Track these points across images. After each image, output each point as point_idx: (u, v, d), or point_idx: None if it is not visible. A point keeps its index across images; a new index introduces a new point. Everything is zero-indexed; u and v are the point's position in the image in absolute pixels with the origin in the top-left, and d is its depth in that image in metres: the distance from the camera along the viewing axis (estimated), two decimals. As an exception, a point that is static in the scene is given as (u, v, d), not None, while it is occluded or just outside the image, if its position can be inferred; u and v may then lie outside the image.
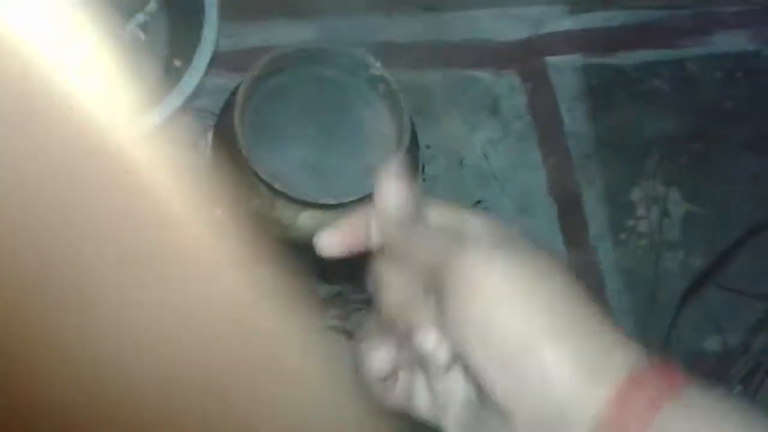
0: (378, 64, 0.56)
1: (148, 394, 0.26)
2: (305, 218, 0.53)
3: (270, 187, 0.51)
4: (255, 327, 0.30)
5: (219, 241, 0.29)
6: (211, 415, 0.28)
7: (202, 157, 0.86)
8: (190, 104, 0.88)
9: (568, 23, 0.98)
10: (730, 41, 1.01)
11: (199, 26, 0.57)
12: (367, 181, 0.56)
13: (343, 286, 0.77)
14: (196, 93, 0.90)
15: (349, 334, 0.79)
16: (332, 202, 0.52)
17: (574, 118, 0.94)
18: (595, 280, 0.87)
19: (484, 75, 0.95)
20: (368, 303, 0.82)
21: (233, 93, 0.56)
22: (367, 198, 0.53)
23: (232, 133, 0.52)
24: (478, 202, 0.88)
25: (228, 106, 0.56)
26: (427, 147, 0.90)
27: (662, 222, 0.89)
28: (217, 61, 0.91)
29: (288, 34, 0.92)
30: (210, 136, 0.86)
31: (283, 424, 0.30)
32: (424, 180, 0.88)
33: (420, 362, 0.42)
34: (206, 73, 0.90)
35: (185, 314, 0.28)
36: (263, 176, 0.51)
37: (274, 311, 0.30)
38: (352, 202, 0.52)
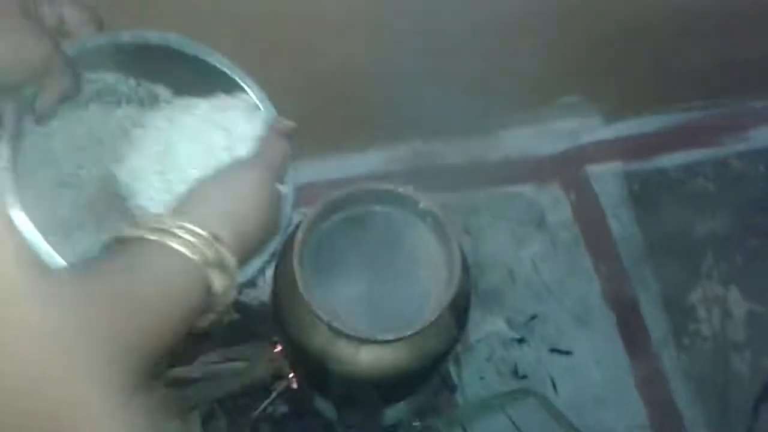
0: (425, 199, 0.59)
1: None
2: (365, 354, 0.55)
3: (330, 326, 0.53)
4: None
5: None
6: None
7: (261, 293, 0.89)
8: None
9: (605, 132, 1.01)
10: (770, 135, 1.02)
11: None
12: (422, 313, 0.57)
13: (406, 414, 0.77)
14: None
15: (414, 462, 0.78)
16: (390, 338, 0.53)
17: (621, 224, 0.95)
18: (663, 389, 0.84)
19: (527, 189, 0.98)
20: (430, 429, 0.81)
21: (291, 237, 0.59)
22: (423, 330, 0.54)
23: (292, 277, 0.55)
24: (534, 316, 0.88)
25: (287, 250, 0.59)
26: (477, 266, 0.91)
27: (725, 323, 0.87)
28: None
29: (336, 169, 0.96)
30: (269, 273, 0.90)
31: None
32: (477, 296, 0.89)
33: None
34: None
35: None
36: (324, 318, 0.53)
37: None
38: (409, 336, 0.53)
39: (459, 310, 0.58)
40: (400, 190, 0.59)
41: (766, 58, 0.97)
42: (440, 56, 0.86)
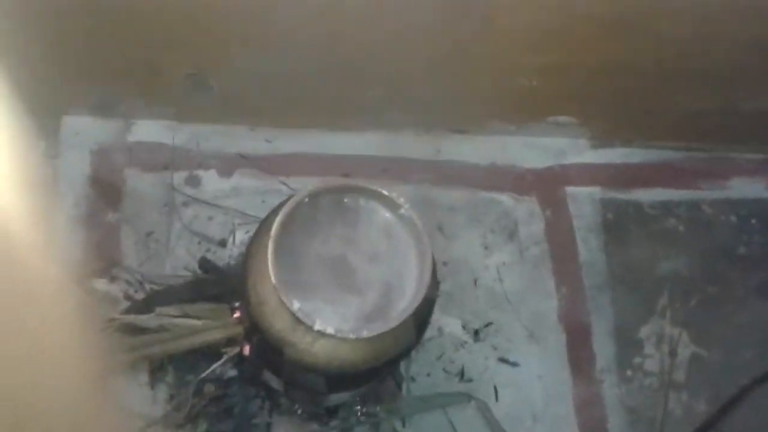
0: (407, 205, 0.60)
1: None
2: (322, 345, 0.56)
3: (293, 314, 0.54)
4: None
5: None
6: None
7: (228, 254, 0.90)
8: (222, 202, 0.93)
9: (590, 156, 1.02)
10: (747, 187, 1.04)
11: None
12: (387, 311, 0.58)
13: (349, 398, 0.79)
14: (230, 192, 0.95)
15: (351, 446, 0.80)
16: (350, 336, 0.54)
17: (589, 248, 0.97)
18: (599, 416, 0.87)
19: (506, 198, 0.99)
20: (371, 416, 0.83)
21: (271, 217, 0.60)
22: (384, 334, 0.55)
23: (265, 258, 0.55)
24: (489, 324, 0.90)
25: (264, 228, 0.60)
26: (445, 264, 0.93)
27: (669, 362, 0.90)
28: (252, 163, 0.96)
29: (323, 144, 0.96)
30: (238, 235, 0.90)
31: None
32: (438, 296, 0.90)
33: None
34: (240, 174, 0.95)
35: None
36: (289, 305, 0.54)
37: None
38: (370, 338, 0.54)
39: (421, 317, 0.60)
40: (386, 192, 0.60)
41: (755, 113, 0.99)
42: (449, 55, 0.86)
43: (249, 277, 0.62)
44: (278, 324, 0.57)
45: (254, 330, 0.61)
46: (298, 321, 0.55)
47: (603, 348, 0.91)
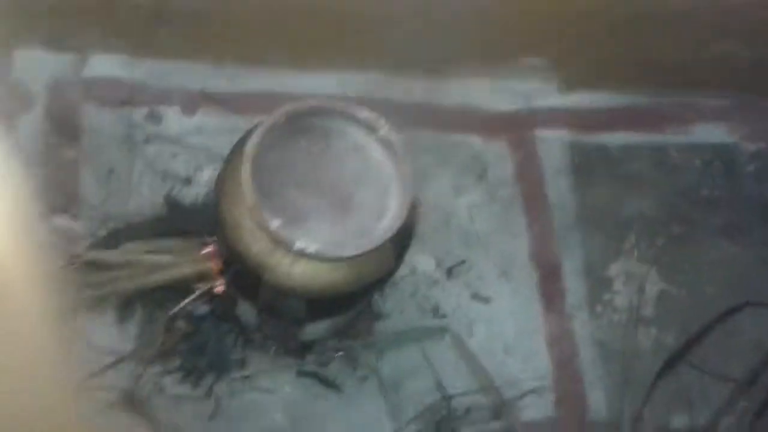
0: (387, 127, 0.58)
1: None
2: (302, 268, 0.54)
3: (271, 234, 0.52)
4: None
5: None
6: None
7: (194, 192, 0.87)
8: (186, 140, 0.90)
9: (558, 100, 1.02)
10: (710, 132, 1.05)
11: None
12: (365, 237, 0.57)
13: (324, 334, 0.78)
14: (194, 130, 0.92)
15: (324, 381, 0.79)
16: (330, 255, 0.53)
17: (558, 190, 0.97)
18: (570, 350, 0.88)
19: (475, 141, 0.98)
20: (347, 351, 0.82)
21: (244, 140, 0.57)
22: (363, 254, 0.54)
23: (239, 180, 0.53)
24: (462, 261, 0.90)
25: (237, 152, 0.57)
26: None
27: (638, 298, 0.92)
28: (215, 101, 0.93)
29: (289, 83, 0.94)
30: (204, 173, 0.88)
31: None
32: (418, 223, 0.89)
33: None
34: (204, 112, 0.92)
35: None
36: (268, 224, 0.52)
37: None
38: (350, 257, 0.53)
39: (401, 242, 0.59)
40: (365, 113, 0.58)
41: (718, 59, 1.00)
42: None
43: (222, 201, 0.59)
44: (256, 247, 0.55)
45: (230, 258, 0.59)
46: (276, 241, 0.53)
47: (573, 285, 0.91)
